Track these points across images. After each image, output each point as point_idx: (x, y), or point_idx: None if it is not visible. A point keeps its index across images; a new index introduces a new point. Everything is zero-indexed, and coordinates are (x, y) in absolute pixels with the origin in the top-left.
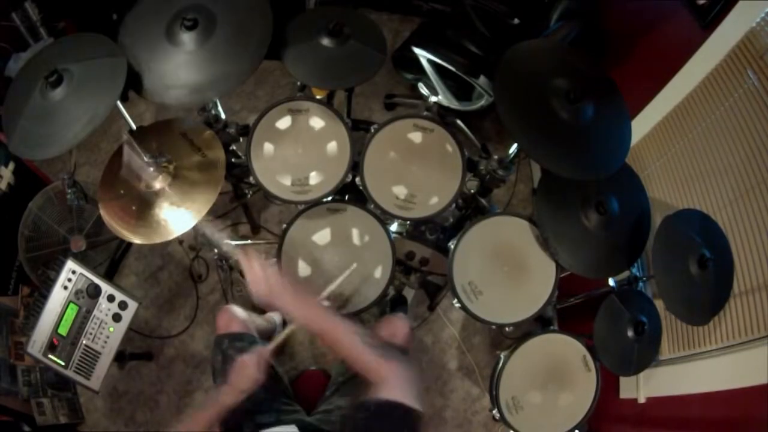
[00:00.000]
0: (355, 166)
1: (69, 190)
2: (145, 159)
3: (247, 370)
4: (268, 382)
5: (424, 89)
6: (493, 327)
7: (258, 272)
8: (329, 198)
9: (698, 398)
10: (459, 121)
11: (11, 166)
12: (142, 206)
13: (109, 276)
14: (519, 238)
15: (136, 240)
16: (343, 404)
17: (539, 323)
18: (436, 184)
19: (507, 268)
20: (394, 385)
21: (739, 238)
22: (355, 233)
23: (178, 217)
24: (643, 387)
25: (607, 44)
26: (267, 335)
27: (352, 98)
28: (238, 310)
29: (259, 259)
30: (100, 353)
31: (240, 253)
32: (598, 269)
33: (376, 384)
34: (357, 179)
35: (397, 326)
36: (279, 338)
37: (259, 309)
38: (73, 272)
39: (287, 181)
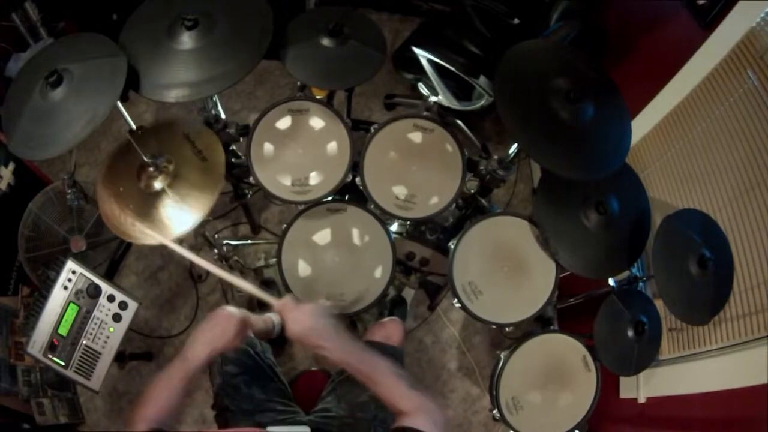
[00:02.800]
0: (355, 166)
1: (69, 190)
2: (146, 159)
3: (226, 331)
4: (266, 382)
5: (424, 89)
6: (493, 327)
7: (294, 313)
8: (329, 198)
9: (698, 398)
10: (459, 121)
11: (11, 166)
12: (142, 206)
13: (109, 276)
14: (519, 238)
15: (137, 240)
16: (342, 406)
17: (539, 323)
18: (436, 184)
19: (507, 268)
20: (420, 417)
21: (739, 238)
22: (355, 233)
23: (178, 217)
24: (643, 387)
25: (608, 44)
26: (264, 336)
27: (352, 98)
28: (233, 311)
29: (291, 302)
30: (100, 353)
31: (273, 300)
32: (598, 269)
33: (405, 416)
34: (357, 179)
35: (391, 329)
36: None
37: (256, 309)
38: (73, 272)
39: (287, 181)
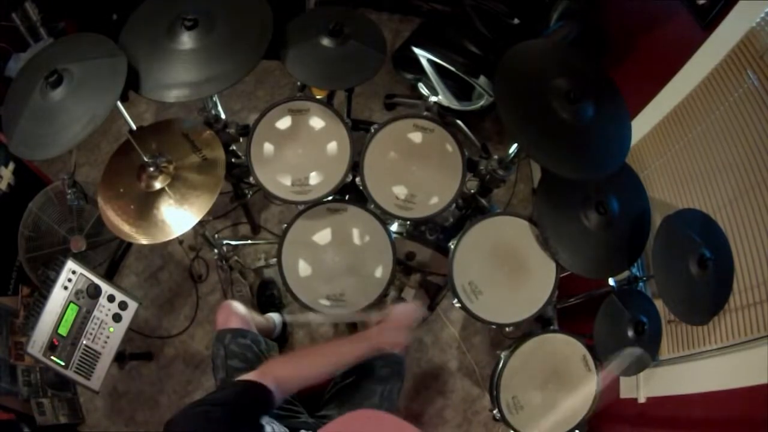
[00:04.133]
0: (355, 166)
1: (69, 190)
2: (146, 159)
3: (399, 334)
4: None
5: (424, 89)
6: (493, 327)
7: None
8: (329, 198)
9: (698, 398)
10: (459, 121)
11: (11, 166)
12: (142, 206)
13: (109, 276)
14: (519, 238)
15: (137, 240)
16: (344, 412)
17: (539, 323)
18: (436, 184)
19: (507, 268)
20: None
21: (739, 238)
22: (355, 233)
23: (178, 217)
24: (643, 387)
25: (608, 44)
26: (266, 334)
27: (352, 98)
28: (239, 306)
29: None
30: (100, 353)
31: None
32: (598, 269)
33: None
34: (357, 179)
35: None
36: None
37: (258, 307)
38: (73, 272)
39: (287, 181)
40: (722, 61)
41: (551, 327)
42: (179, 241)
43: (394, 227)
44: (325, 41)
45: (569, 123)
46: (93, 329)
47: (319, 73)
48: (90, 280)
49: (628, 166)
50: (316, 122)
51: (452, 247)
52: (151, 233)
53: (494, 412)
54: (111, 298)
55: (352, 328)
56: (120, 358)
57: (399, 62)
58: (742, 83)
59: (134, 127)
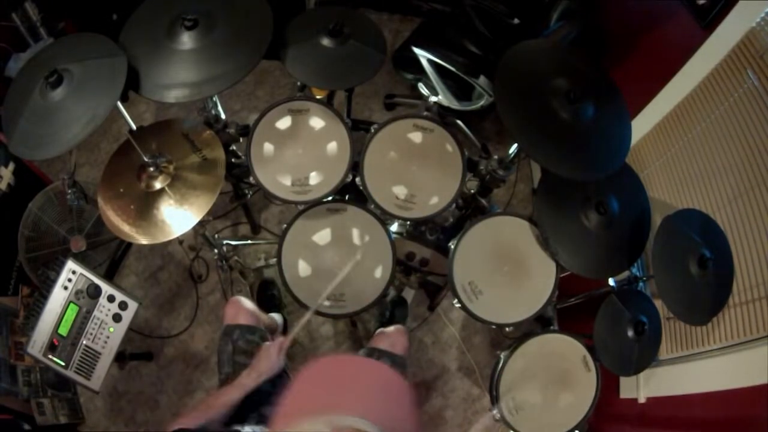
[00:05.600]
0: (355, 166)
1: (69, 190)
2: (146, 159)
3: (270, 357)
4: (275, 377)
5: (424, 89)
6: (493, 327)
7: None
8: (329, 198)
9: (698, 398)
10: (459, 121)
11: (11, 166)
12: (142, 206)
13: (109, 276)
14: (519, 238)
15: (137, 240)
16: None
17: (539, 323)
18: (436, 184)
19: (507, 268)
20: None
21: (739, 238)
22: (355, 233)
23: (178, 217)
24: (643, 387)
25: (608, 44)
26: (270, 332)
27: (352, 98)
28: (248, 302)
29: None
30: (100, 353)
31: None
32: (598, 269)
33: None
34: (357, 179)
35: (396, 338)
36: (296, 330)
37: (263, 306)
38: (73, 272)
39: (287, 181)
40: (722, 61)
41: (551, 327)
42: (179, 241)
43: (394, 227)
44: (325, 41)
45: (569, 123)
46: (93, 329)
47: (319, 73)
48: (90, 280)
49: (628, 166)
50: (316, 122)
51: (452, 247)
52: (151, 233)
53: (494, 412)
54: (111, 298)
55: (353, 326)
56: (120, 358)
57: (399, 62)
58: (742, 83)
59: (134, 127)
